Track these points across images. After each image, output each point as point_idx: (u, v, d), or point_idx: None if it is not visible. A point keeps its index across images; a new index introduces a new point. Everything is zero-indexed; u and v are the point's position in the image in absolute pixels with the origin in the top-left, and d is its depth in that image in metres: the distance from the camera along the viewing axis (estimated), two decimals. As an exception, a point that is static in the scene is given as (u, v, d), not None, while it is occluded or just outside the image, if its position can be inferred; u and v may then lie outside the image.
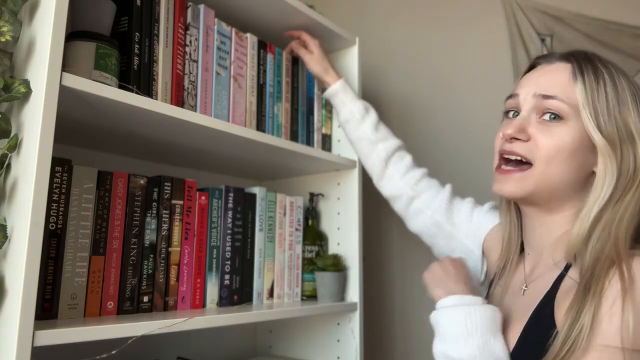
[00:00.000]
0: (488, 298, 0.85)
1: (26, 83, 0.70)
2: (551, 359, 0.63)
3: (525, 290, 0.77)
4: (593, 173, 0.73)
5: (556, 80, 0.74)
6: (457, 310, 0.71)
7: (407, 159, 1.11)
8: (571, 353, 0.61)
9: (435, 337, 0.73)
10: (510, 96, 0.80)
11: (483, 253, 0.95)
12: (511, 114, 0.79)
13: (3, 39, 0.71)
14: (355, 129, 1.14)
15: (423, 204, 1.05)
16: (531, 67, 0.82)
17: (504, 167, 0.76)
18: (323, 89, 1.23)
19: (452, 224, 1.00)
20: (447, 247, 1.01)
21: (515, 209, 0.85)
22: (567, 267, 0.71)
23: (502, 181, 0.76)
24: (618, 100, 0.71)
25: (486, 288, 0.88)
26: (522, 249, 0.85)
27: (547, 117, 0.73)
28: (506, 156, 0.76)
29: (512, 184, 0.75)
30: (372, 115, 1.15)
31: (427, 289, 0.80)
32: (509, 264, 0.84)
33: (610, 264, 0.64)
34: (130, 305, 0.87)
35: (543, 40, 1.49)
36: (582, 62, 0.74)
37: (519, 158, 0.75)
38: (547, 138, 0.72)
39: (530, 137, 0.73)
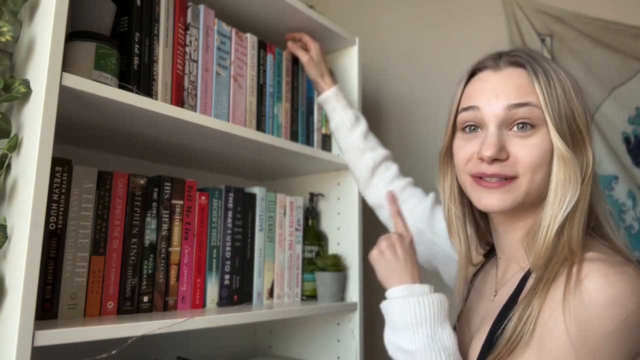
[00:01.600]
0: (465, 304, 0.86)
1: (26, 83, 0.70)
2: (501, 347, 0.63)
3: (495, 295, 0.77)
4: None
5: (519, 86, 0.69)
6: (407, 301, 0.73)
7: (393, 168, 1.12)
8: (518, 341, 0.62)
9: (386, 327, 0.76)
10: (466, 109, 0.73)
11: None
12: (468, 128, 0.73)
13: (3, 39, 0.71)
14: (345, 137, 1.16)
15: (406, 211, 1.06)
16: (471, 75, 0.76)
17: (487, 180, 0.70)
18: (318, 94, 1.23)
19: (434, 231, 1.00)
20: (429, 254, 1.01)
21: (475, 219, 0.84)
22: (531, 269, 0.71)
23: (488, 195, 0.70)
24: (566, 97, 0.68)
25: (466, 293, 0.88)
26: (494, 253, 0.84)
27: (516, 128, 0.68)
28: (487, 179, 0.70)
29: (501, 197, 0.69)
30: (362, 125, 1.16)
31: (376, 271, 0.82)
32: (474, 273, 0.85)
33: (563, 259, 0.64)
34: (130, 305, 0.87)
35: (543, 40, 1.49)
36: (532, 63, 0.70)
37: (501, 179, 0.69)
38: (527, 152, 0.67)
39: (509, 155, 0.68)
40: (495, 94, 0.70)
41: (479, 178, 0.71)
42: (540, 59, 0.71)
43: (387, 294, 0.78)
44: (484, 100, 0.71)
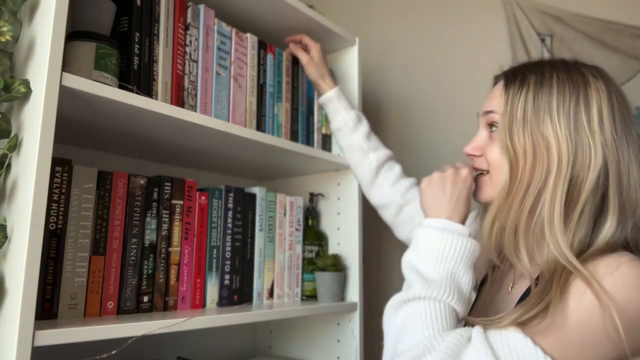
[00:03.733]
0: (477, 299, 0.87)
1: (26, 83, 0.70)
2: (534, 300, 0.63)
3: (512, 287, 0.79)
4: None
5: (494, 96, 0.79)
6: (441, 234, 0.73)
7: (397, 168, 1.14)
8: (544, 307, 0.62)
9: (410, 248, 0.77)
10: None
11: None
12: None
13: (3, 39, 0.71)
14: (347, 138, 1.17)
15: (413, 211, 1.07)
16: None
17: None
18: (318, 95, 1.23)
19: None
20: None
21: None
22: None
23: (477, 188, 0.82)
24: (536, 110, 0.71)
25: (476, 290, 0.89)
26: None
27: (493, 129, 0.79)
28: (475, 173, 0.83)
29: (480, 190, 0.81)
30: (365, 125, 1.18)
31: (421, 198, 0.83)
32: (496, 268, 0.85)
33: (562, 269, 0.64)
34: (130, 305, 0.87)
35: (543, 40, 1.49)
36: (512, 76, 0.77)
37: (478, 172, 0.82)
38: (492, 149, 0.78)
39: (482, 153, 0.80)
40: (485, 102, 0.82)
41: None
42: (529, 71, 0.75)
43: (425, 222, 0.78)
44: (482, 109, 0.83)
